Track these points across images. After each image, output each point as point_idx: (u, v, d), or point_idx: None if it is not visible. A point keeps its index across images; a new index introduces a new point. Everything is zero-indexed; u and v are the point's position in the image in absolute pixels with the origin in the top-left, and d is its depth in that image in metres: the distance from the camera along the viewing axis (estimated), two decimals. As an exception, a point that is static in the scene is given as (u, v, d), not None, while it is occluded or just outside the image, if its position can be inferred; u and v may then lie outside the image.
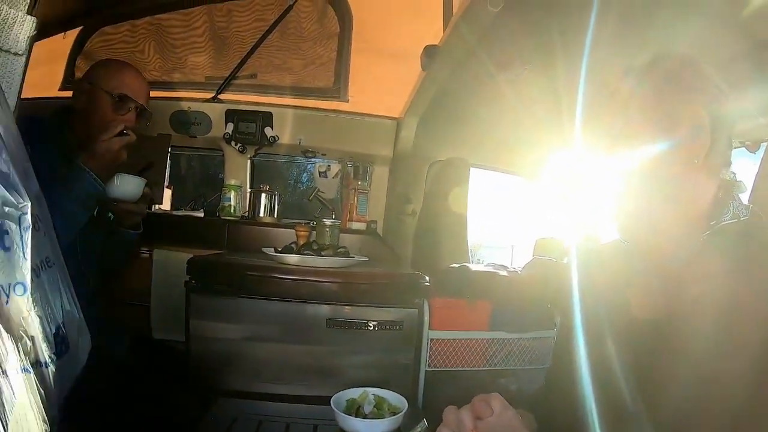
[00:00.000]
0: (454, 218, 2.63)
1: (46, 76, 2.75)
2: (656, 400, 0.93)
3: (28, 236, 0.84)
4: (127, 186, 1.81)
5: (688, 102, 0.95)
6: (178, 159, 3.34)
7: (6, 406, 0.77)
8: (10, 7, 0.96)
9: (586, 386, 1.09)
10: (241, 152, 2.89)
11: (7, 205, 0.82)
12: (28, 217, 0.84)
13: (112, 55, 2.52)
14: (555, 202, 3.74)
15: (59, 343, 0.90)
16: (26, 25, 0.98)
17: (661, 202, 0.94)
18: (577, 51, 1.76)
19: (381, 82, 2.89)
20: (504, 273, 2.21)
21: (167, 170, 2.85)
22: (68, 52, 2.78)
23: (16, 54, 0.99)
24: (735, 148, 2.25)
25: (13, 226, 0.82)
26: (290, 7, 2.79)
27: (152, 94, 2.79)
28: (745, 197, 0.99)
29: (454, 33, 1.78)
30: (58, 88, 2.78)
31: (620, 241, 1.17)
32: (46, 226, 0.93)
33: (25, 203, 0.84)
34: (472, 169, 3.31)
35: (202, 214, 2.87)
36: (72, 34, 2.77)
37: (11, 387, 0.79)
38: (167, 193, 2.98)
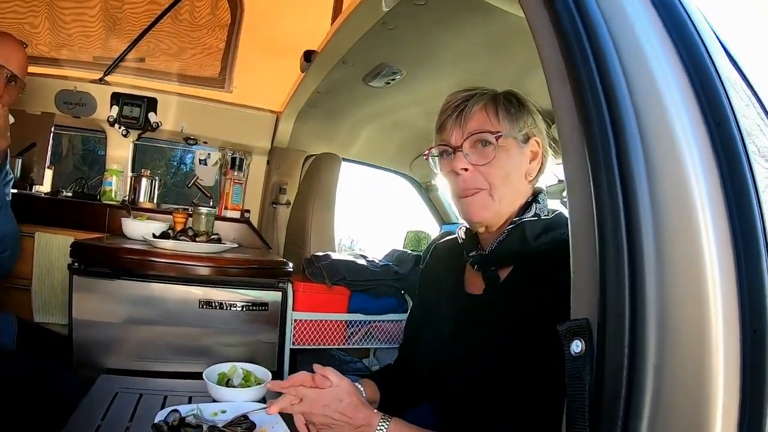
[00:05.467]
0: (324, 209, 2.81)
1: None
2: (467, 356, 1.26)
3: None
4: None
5: (535, 134, 1.29)
6: (60, 138, 3.29)
7: None
8: None
9: (424, 351, 1.44)
10: (124, 136, 2.93)
11: None
12: None
13: (1, 26, 2.47)
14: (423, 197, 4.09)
15: None
16: None
17: (508, 204, 1.25)
18: (443, 67, 2.09)
19: (265, 75, 3.01)
20: (362, 262, 2.44)
21: (49, 150, 2.83)
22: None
23: None
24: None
25: None
26: (186, -7, 2.78)
27: (39, 70, 2.70)
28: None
29: (330, 43, 2.00)
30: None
31: (455, 236, 1.48)
32: None
33: None
34: (354, 165, 3.58)
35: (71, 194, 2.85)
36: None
37: None
38: (48, 174, 2.95)
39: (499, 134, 1.22)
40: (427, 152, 1.38)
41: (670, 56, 0.71)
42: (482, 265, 1.31)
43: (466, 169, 1.23)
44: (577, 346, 0.66)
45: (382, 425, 1.18)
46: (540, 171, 1.32)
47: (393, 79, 2.28)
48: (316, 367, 1.29)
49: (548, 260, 1.14)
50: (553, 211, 1.28)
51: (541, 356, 1.04)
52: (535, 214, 1.25)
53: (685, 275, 0.61)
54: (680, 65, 0.70)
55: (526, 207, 1.27)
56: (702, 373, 0.58)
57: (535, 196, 1.30)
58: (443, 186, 3.44)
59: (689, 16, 0.75)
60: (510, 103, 1.28)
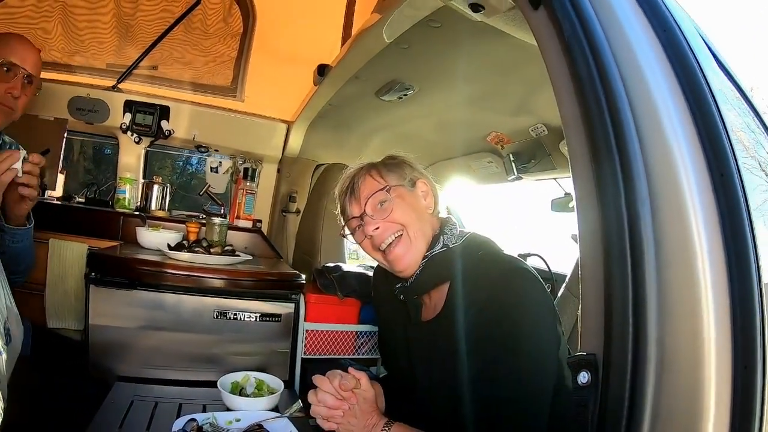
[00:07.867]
0: (333, 219, 2.77)
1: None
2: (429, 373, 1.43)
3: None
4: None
5: (418, 177, 1.55)
6: (71, 144, 3.31)
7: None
8: None
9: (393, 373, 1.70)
10: (137, 143, 2.96)
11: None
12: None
13: (13, 30, 2.41)
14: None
15: (5, 334, 1.06)
16: None
17: (422, 239, 1.46)
18: (454, 84, 2.14)
19: (276, 84, 3.03)
20: (371, 274, 2.43)
21: (61, 155, 2.85)
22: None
23: None
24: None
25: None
26: (198, 1, 2.82)
27: (52, 76, 2.69)
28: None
29: (344, 59, 2.02)
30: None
31: None
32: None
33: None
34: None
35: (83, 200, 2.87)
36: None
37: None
38: (60, 179, 2.95)
39: (389, 186, 1.48)
40: (342, 233, 1.64)
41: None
42: (407, 295, 1.52)
43: (377, 228, 1.45)
44: (584, 377, 0.71)
45: (386, 428, 1.36)
46: (436, 203, 1.57)
47: (405, 94, 2.32)
48: (351, 369, 1.42)
49: (477, 278, 1.34)
50: (462, 235, 1.49)
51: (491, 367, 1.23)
52: (444, 245, 1.46)
53: (684, 319, 0.66)
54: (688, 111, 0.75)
55: (435, 241, 1.47)
56: (696, 409, 0.64)
57: (443, 227, 1.51)
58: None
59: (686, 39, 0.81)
60: (385, 163, 1.57)
